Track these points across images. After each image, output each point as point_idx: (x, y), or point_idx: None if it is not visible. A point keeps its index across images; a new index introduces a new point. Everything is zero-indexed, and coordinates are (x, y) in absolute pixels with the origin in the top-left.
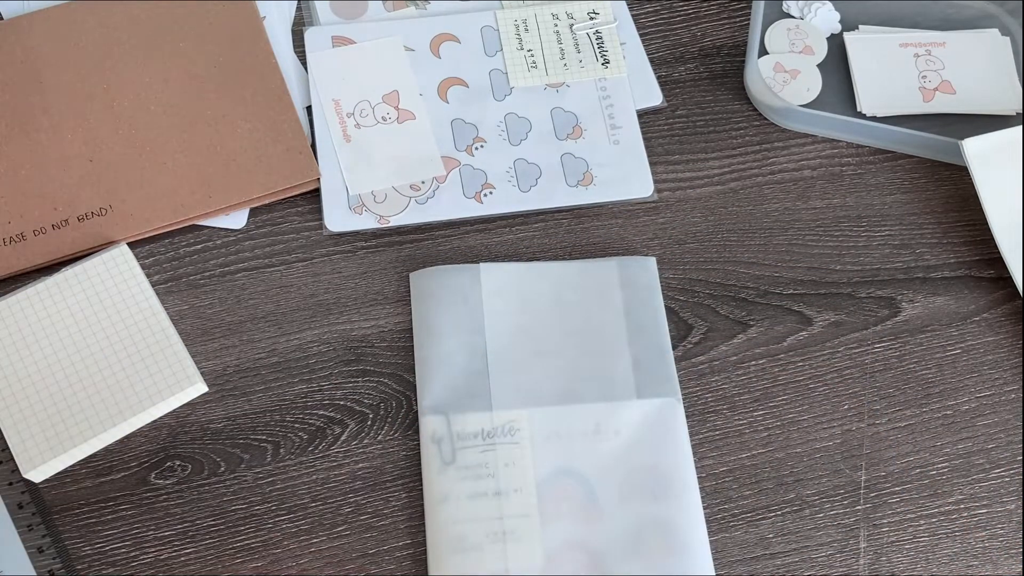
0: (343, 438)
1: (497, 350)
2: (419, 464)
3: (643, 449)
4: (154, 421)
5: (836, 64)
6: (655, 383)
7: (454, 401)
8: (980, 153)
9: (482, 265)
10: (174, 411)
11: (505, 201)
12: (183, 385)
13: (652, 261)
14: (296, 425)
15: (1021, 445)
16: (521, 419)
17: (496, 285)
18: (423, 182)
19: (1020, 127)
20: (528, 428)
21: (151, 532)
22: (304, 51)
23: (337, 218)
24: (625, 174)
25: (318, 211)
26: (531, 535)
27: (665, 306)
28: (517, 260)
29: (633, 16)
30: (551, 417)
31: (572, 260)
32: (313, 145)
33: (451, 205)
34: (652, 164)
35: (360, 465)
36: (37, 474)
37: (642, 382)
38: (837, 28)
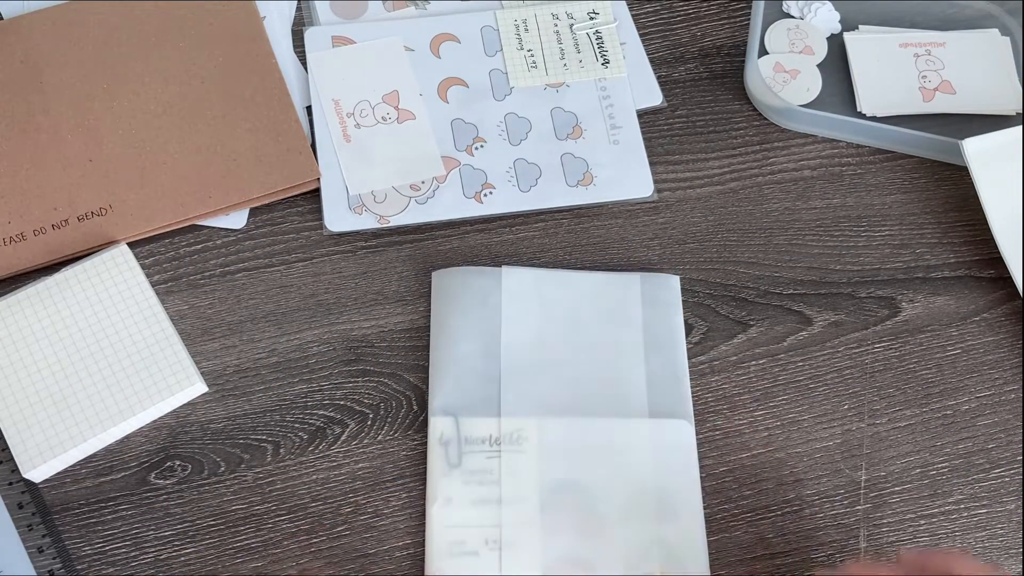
0: (343, 438)
1: (511, 356)
2: (420, 464)
3: (650, 469)
4: (154, 421)
5: (836, 64)
6: (668, 403)
7: (465, 404)
8: (980, 153)
9: (504, 268)
10: (174, 411)
11: (505, 201)
12: (183, 385)
13: (675, 280)
14: (296, 425)
15: (1021, 445)
16: (529, 428)
17: (517, 289)
18: (423, 182)
19: (1020, 127)
20: (536, 437)
21: (151, 532)
22: (304, 51)
23: (337, 218)
24: (625, 174)
25: (318, 211)
26: (530, 546)
27: None
28: (519, 260)
29: (633, 16)
30: (559, 428)
31: (596, 271)
32: (313, 145)
33: (451, 205)
34: (652, 164)
35: (360, 465)
36: (37, 474)
37: (655, 401)
38: (837, 28)
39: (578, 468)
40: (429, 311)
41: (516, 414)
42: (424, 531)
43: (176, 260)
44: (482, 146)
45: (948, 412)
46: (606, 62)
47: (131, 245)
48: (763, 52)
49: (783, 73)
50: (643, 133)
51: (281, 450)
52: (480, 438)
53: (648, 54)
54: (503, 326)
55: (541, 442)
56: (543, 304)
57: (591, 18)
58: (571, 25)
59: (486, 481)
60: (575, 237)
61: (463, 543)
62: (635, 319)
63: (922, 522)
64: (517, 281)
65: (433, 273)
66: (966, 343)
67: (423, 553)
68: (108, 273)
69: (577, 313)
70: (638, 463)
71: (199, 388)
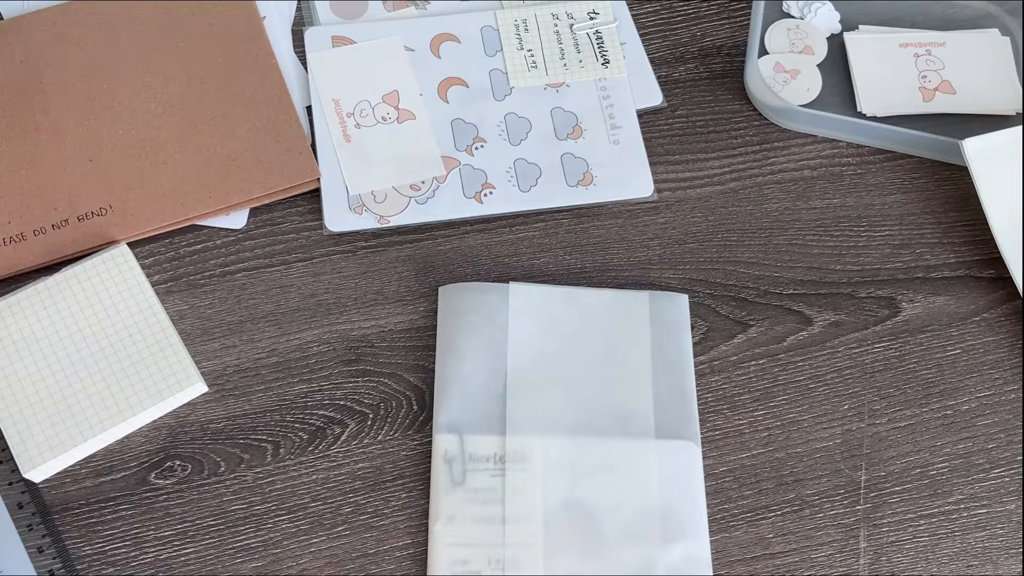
0: (343, 438)
1: (517, 373)
2: (420, 464)
3: (656, 490)
4: (154, 421)
5: (836, 64)
6: (675, 424)
7: (469, 421)
8: (980, 153)
9: (512, 284)
10: (174, 411)
11: (505, 201)
12: (183, 385)
13: (684, 299)
14: (296, 425)
15: (1021, 445)
16: (534, 446)
17: (524, 306)
18: (423, 182)
19: (1020, 127)
20: (541, 456)
21: (151, 532)
22: (304, 51)
23: (337, 218)
24: (625, 174)
25: (318, 211)
26: (533, 566)
27: None
28: (519, 259)
29: (633, 16)
30: (565, 447)
31: (604, 288)
32: (313, 145)
33: (451, 205)
34: (652, 164)
35: (360, 465)
36: (37, 474)
37: (662, 422)
38: (837, 28)
39: (582, 488)
40: (429, 311)
41: (521, 432)
42: (425, 532)
43: (176, 260)
44: (482, 146)
45: (948, 412)
46: (606, 62)
47: (131, 245)
48: (763, 52)
49: (783, 73)
50: (643, 133)
51: (281, 450)
52: (484, 456)
53: (648, 54)
54: (510, 344)
55: (546, 461)
56: (550, 322)
57: (591, 18)
58: (571, 25)
59: (490, 500)
60: (575, 237)
61: (466, 562)
62: (643, 338)
63: (922, 522)
64: (525, 299)
65: (440, 288)
66: (966, 343)
67: (423, 553)
68: (108, 273)
69: (584, 331)
70: (643, 484)
71: (199, 388)
